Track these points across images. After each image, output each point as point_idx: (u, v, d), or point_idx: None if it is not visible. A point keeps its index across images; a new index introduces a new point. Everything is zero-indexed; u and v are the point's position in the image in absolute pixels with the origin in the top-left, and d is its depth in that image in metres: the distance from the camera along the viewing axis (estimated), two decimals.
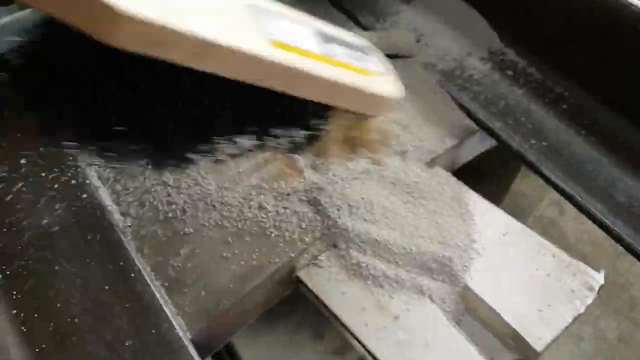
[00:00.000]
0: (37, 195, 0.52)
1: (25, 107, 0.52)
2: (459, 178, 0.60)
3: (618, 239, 0.56)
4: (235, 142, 0.43)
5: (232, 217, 0.54)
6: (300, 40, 0.38)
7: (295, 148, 0.48)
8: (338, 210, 0.54)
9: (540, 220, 1.33)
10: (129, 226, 0.53)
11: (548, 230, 1.30)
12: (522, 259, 0.53)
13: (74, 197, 0.53)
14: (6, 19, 0.57)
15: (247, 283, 0.50)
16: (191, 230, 0.53)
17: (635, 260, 0.55)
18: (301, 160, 0.58)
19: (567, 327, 0.49)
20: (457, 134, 0.64)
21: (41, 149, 0.55)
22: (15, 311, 0.46)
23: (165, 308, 0.47)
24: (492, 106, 0.66)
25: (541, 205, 1.25)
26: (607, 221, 0.57)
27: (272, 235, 0.53)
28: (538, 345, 0.48)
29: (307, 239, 0.53)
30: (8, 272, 0.48)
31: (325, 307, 0.50)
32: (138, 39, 0.31)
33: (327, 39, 0.41)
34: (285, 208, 0.54)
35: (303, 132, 0.46)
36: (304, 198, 0.55)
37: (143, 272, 0.49)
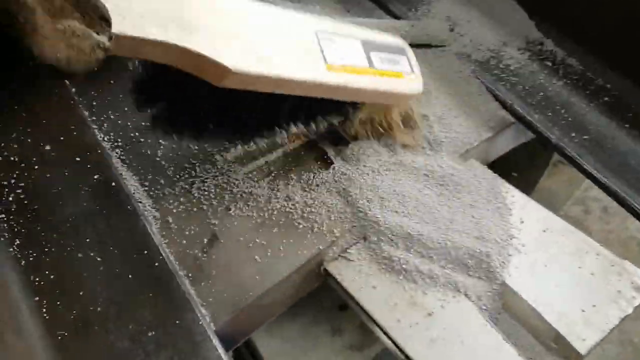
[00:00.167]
0: (61, 182, 0.51)
1: None
2: None
3: None
4: (288, 128, 0.51)
5: (258, 207, 0.52)
6: (349, 56, 0.49)
7: (329, 131, 0.56)
8: (368, 202, 0.51)
9: (565, 219, 1.28)
10: (154, 215, 0.51)
11: None
12: (564, 256, 0.50)
13: (98, 185, 0.52)
14: None
15: (273, 275, 0.48)
16: (217, 220, 0.51)
17: None
18: (332, 149, 0.56)
19: (612, 330, 0.46)
20: (492, 125, 0.61)
21: (65, 136, 0.54)
22: (37, 298, 0.45)
23: (189, 299, 0.46)
24: (530, 98, 0.63)
25: (566, 203, 1.22)
26: None
27: (300, 226, 0.51)
28: (582, 348, 0.45)
29: (336, 231, 0.51)
30: (31, 259, 0.47)
31: (355, 301, 0.47)
32: (237, 83, 0.42)
33: (370, 47, 0.51)
34: (313, 199, 0.52)
35: (338, 118, 0.53)
36: (333, 189, 0.53)
37: (167, 261, 0.48)
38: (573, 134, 0.60)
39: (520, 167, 0.91)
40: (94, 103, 0.58)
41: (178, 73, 0.42)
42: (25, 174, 0.51)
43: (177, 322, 0.45)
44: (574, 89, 0.65)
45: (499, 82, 0.65)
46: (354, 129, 0.56)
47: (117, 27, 0.36)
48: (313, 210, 0.52)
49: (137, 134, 0.56)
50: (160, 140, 0.55)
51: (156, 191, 0.52)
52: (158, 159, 0.54)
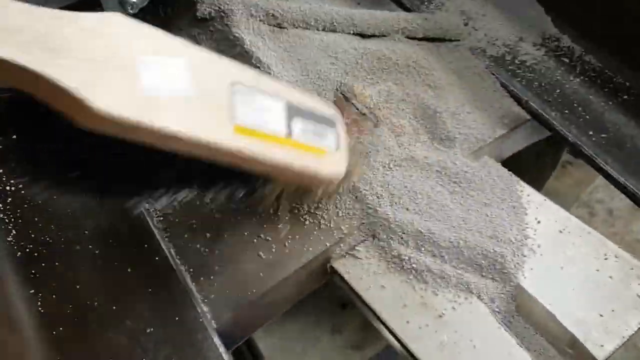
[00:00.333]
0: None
1: None
2: None
3: None
4: (176, 193, 0.41)
5: (261, 202, 0.50)
6: (265, 120, 0.39)
7: (233, 203, 0.47)
8: (378, 198, 0.50)
9: None
10: (156, 209, 0.50)
11: None
12: (582, 258, 0.48)
13: None
14: None
15: (277, 272, 0.47)
16: (220, 214, 0.49)
17: None
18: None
19: (632, 336, 0.44)
20: (507, 122, 0.59)
21: None
22: (32, 291, 0.44)
23: (190, 295, 0.44)
24: (546, 95, 0.61)
25: (572, 206, 1.19)
26: None
27: (307, 222, 0.49)
28: (599, 354, 0.43)
29: (344, 228, 0.49)
30: (27, 250, 0.46)
31: (362, 301, 0.45)
32: (109, 129, 0.32)
33: (294, 112, 0.42)
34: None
35: (243, 189, 0.43)
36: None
37: (168, 255, 0.46)
38: (591, 133, 0.58)
39: (528, 168, 0.89)
40: None
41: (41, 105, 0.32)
42: None
43: (177, 319, 0.43)
44: (592, 86, 0.62)
45: (514, 78, 0.63)
46: (263, 204, 0.49)
47: None
48: (320, 205, 0.50)
49: None
50: None
51: None
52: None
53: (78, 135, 0.33)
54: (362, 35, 0.64)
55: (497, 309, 0.46)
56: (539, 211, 0.51)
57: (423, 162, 0.52)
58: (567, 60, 0.65)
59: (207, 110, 0.36)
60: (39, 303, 0.43)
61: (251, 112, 0.38)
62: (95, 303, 0.43)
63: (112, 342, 0.42)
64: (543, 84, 0.62)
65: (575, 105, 0.60)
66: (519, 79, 0.62)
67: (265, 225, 0.49)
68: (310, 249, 0.47)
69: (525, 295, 0.46)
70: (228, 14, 0.61)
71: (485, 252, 0.47)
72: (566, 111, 0.60)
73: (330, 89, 0.58)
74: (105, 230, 0.47)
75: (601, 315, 0.45)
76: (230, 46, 0.60)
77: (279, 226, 0.49)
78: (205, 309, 0.44)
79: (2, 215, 0.48)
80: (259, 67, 0.57)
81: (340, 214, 0.49)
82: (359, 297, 0.46)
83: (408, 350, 0.43)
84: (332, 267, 0.48)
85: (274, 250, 0.47)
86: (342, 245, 0.48)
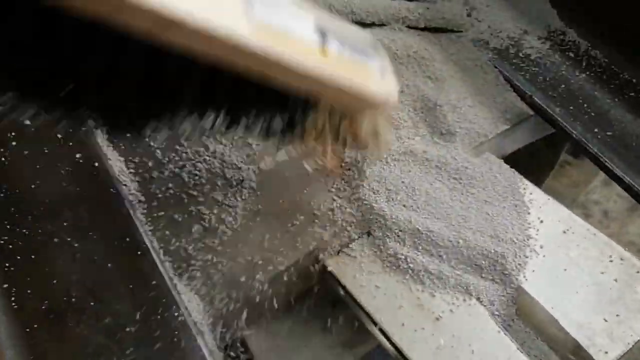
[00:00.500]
0: (39, 161, 0.47)
1: None
2: None
3: None
4: (200, 120, 0.33)
5: (252, 196, 0.48)
6: (293, 21, 0.31)
7: (270, 133, 0.37)
8: (374, 194, 0.47)
9: None
10: (140, 200, 0.47)
11: None
12: (586, 260, 0.46)
13: (80, 164, 0.47)
14: None
15: (266, 270, 0.44)
16: (207, 208, 0.47)
17: None
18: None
19: (637, 342, 0.42)
20: (509, 117, 0.57)
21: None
22: (6, 285, 0.41)
23: (173, 292, 0.42)
24: (550, 90, 0.59)
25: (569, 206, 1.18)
26: None
27: (299, 218, 0.47)
28: None
29: (337, 224, 0.46)
30: (2, 242, 0.43)
31: (355, 302, 0.43)
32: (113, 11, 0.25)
33: (328, 28, 0.34)
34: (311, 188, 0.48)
35: (281, 117, 0.36)
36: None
37: (151, 250, 0.44)
38: (596, 130, 0.56)
39: (526, 167, 0.87)
40: None
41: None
42: (1, 150, 0.47)
43: (159, 317, 0.41)
44: (597, 82, 0.60)
45: (517, 72, 0.60)
46: (305, 140, 0.39)
47: None
48: (312, 200, 0.47)
49: None
50: None
51: (143, 174, 0.48)
52: (146, 138, 0.50)
53: (68, 38, 0.27)
54: (361, 24, 0.61)
55: (496, 312, 0.44)
56: (542, 210, 0.49)
57: (422, 157, 0.50)
58: (572, 55, 0.63)
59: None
60: (13, 298, 0.41)
61: (272, 8, 0.31)
62: (73, 299, 0.41)
63: (89, 340, 0.39)
64: (548, 79, 0.60)
65: (580, 101, 0.58)
66: (522, 73, 0.60)
67: (254, 221, 0.46)
68: (302, 246, 0.45)
69: (526, 297, 0.44)
70: None
71: (485, 252, 0.44)
72: (571, 107, 0.57)
73: None
74: (85, 222, 0.45)
75: (605, 320, 0.43)
76: None
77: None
78: (189, 307, 0.42)
79: None
80: None
81: (334, 210, 0.47)
82: (352, 297, 0.43)
83: (403, 355, 0.41)
84: (324, 266, 0.45)
85: (262, 248, 0.45)
86: (335, 242, 0.46)
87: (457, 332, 0.42)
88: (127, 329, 0.40)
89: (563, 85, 0.59)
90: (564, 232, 0.47)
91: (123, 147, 0.49)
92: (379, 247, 0.45)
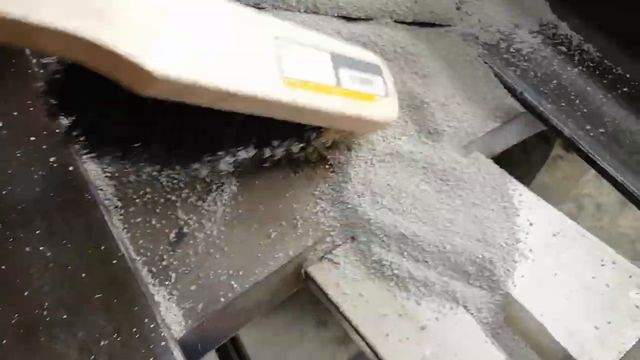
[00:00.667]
0: (12, 164, 0.46)
1: None
2: None
3: None
4: (235, 154, 0.42)
5: (232, 200, 0.46)
6: (313, 71, 0.40)
7: (291, 157, 0.47)
8: (359, 197, 0.46)
9: None
10: (116, 206, 0.46)
11: None
12: (576, 265, 0.45)
13: (54, 168, 0.46)
14: None
15: (247, 278, 0.43)
16: (186, 214, 0.45)
17: None
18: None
19: (629, 351, 0.41)
20: (499, 115, 0.55)
21: (20, 112, 0.48)
22: None
23: (150, 303, 0.40)
24: (542, 86, 0.57)
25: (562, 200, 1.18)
26: None
27: (280, 223, 0.45)
28: None
29: (320, 230, 0.45)
30: None
31: (338, 310, 0.42)
32: (165, 92, 0.33)
33: (339, 62, 0.43)
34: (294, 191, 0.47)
35: (299, 143, 0.44)
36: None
37: (127, 258, 0.42)
38: (588, 127, 0.54)
39: (517, 162, 0.86)
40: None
41: (99, 76, 0.32)
42: None
43: (135, 329, 0.39)
44: (590, 77, 0.59)
45: (508, 68, 0.59)
46: (316, 154, 0.49)
47: None
48: (294, 204, 0.46)
49: None
50: None
51: (119, 178, 0.47)
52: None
53: (137, 105, 0.34)
54: (347, 18, 0.59)
55: (484, 320, 0.42)
56: (532, 212, 0.47)
57: (409, 158, 0.48)
58: (564, 49, 0.61)
59: (256, 66, 0.37)
60: None
61: (299, 65, 0.39)
62: (45, 312, 0.39)
63: (61, 356, 0.38)
64: (539, 74, 0.58)
65: (572, 97, 0.57)
66: (513, 69, 0.58)
67: (234, 226, 0.45)
68: (283, 252, 0.44)
69: (515, 304, 0.43)
70: None
71: (473, 257, 0.43)
72: (563, 104, 0.56)
73: None
74: (58, 230, 0.43)
75: (596, 328, 0.42)
76: None
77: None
78: (166, 318, 0.40)
79: None
80: None
81: (317, 213, 0.46)
82: (335, 305, 0.42)
83: None
84: (306, 273, 0.44)
85: (243, 254, 0.43)
86: (317, 248, 0.44)
87: (443, 341, 0.40)
88: (102, 343, 0.38)
89: (555, 81, 0.58)
90: (554, 235, 0.46)
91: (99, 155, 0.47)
92: (364, 253, 0.44)
